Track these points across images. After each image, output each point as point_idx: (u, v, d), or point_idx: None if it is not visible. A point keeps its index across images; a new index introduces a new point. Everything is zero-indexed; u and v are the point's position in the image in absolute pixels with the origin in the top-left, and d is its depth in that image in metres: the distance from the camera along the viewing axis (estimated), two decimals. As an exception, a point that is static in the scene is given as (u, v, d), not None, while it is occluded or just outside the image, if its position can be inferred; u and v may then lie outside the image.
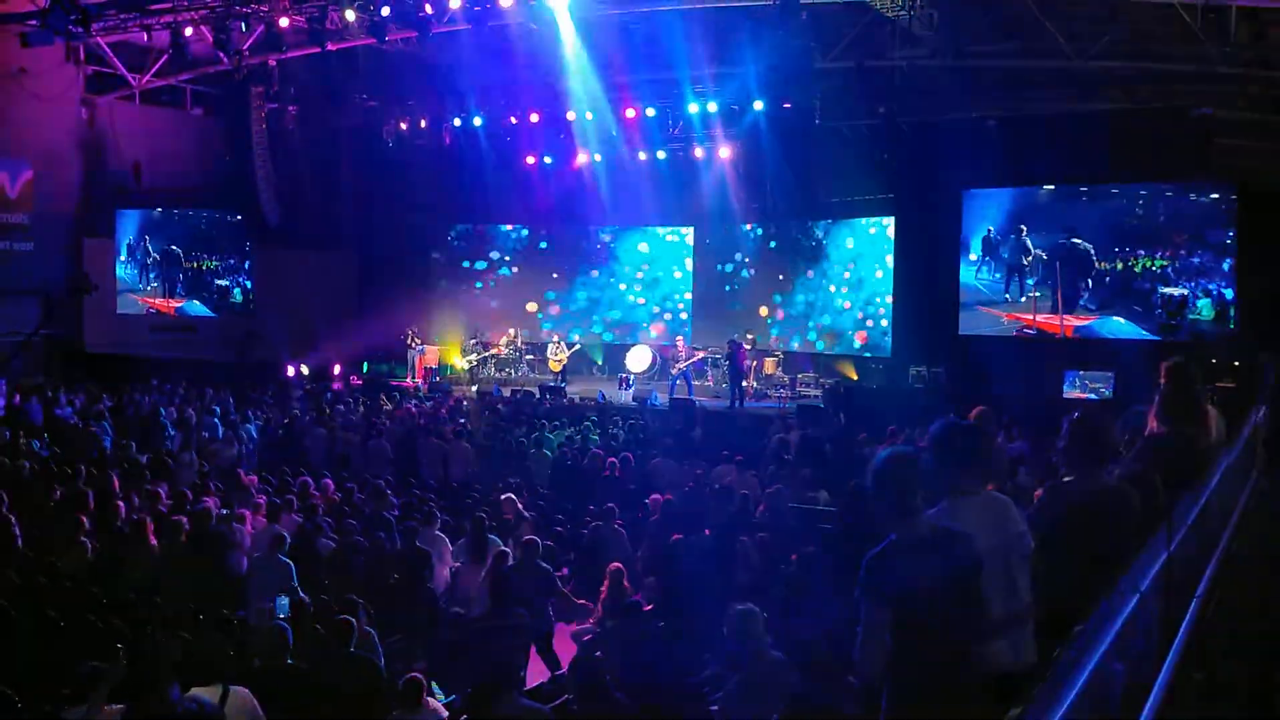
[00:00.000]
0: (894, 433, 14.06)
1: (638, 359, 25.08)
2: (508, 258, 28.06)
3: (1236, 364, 17.48)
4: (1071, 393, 18.92)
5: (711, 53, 20.41)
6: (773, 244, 25.89)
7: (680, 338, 24.65)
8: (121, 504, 11.42)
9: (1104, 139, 18.90)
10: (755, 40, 19.13)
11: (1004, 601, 4.11)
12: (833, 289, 24.68)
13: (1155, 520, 4.09)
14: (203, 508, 10.61)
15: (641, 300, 27.56)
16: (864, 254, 24.07)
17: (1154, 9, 16.16)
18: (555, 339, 25.70)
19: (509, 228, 27.93)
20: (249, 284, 26.61)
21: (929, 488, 4.24)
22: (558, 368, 24.70)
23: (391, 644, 8.21)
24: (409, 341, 24.95)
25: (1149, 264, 19.65)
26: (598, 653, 7.69)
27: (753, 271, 26.22)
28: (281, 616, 7.72)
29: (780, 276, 25.64)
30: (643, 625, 7.78)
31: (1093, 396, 18.74)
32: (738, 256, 26.45)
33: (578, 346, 25.63)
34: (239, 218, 26.04)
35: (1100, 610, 2.44)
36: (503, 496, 11.89)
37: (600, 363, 26.85)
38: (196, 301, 27.18)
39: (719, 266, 26.72)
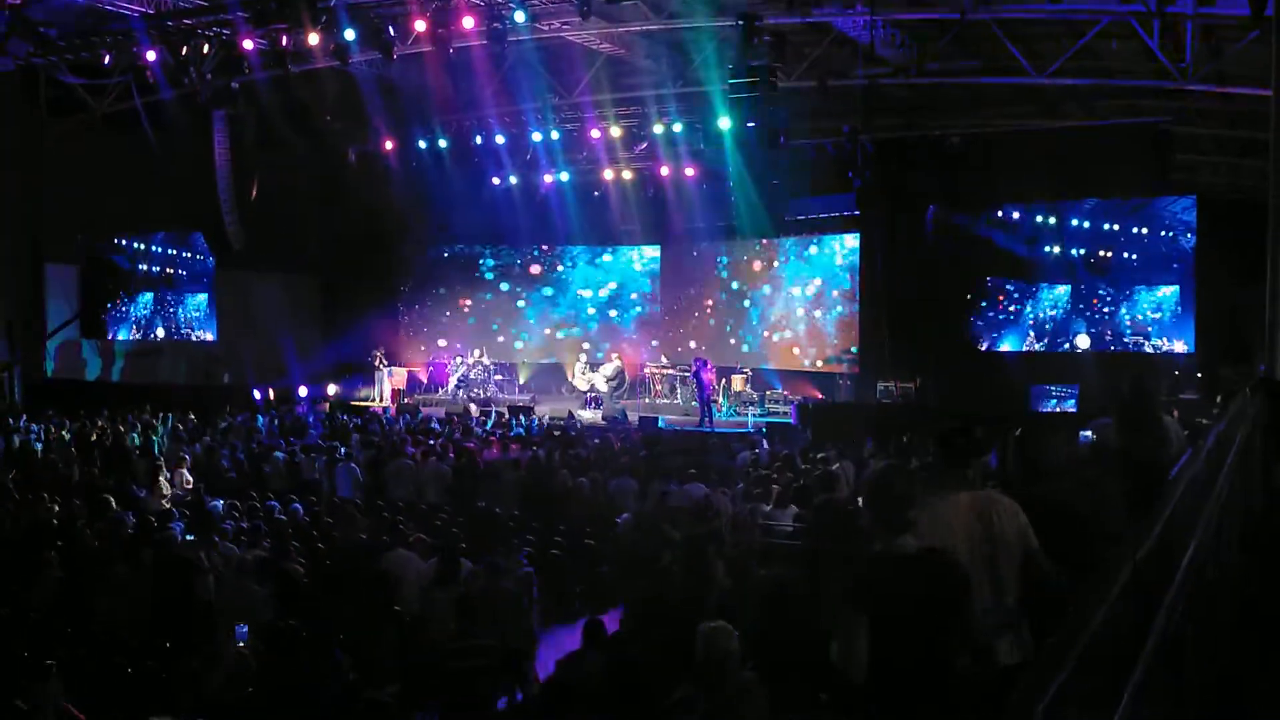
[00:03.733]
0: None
1: (608, 377, 25.06)
2: (474, 277, 28.03)
3: (1199, 375, 17.70)
4: (1042, 407, 19.15)
5: (676, 73, 20.50)
6: (738, 261, 26.02)
7: (616, 354, 24.74)
8: (87, 532, 11.29)
9: (1065, 155, 19.13)
10: (719, 60, 19.22)
11: (995, 599, 4.14)
12: (797, 306, 24.81)
13: (1117, 531, 4.12)
14: (168, 534, 10.50)
15: (608, 317, 27.60)
16: (829, 271, 24.22)
17: (1113, 26, 16.34)
18: (582, 358, 25.55)
19: (474, 248, 27.90)
20: (207, 307, 26.55)
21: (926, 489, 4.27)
22: (585, 386, 24.63)
23: (362, 668, 8.15)
24: (376, 363, 24.89)
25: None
26: (570, 674, 7.65)
27: (716, 289, 26.33)
28: (242, 644, 7.64)
29: (746, 293, 25.76)
30: (612, 646, 7.74)
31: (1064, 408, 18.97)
32: (703, 274, 26.55)
33: (609, 371, 25.28)
34: (202, 241, 25.94)
35: (1069, 620, 2.46)
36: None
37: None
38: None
39: (685, 284, 26.83)
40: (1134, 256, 20.44)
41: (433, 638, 8.82)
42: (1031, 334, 21.08)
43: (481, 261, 28.02)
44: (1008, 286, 21.41)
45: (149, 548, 10.21)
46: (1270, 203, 12.52)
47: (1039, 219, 21.35)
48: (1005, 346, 21.27)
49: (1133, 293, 20.47)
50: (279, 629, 8.06)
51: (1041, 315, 21.09)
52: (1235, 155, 21.22)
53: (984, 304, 21.50)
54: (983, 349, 21.26)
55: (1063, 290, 21.04)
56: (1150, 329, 20.01)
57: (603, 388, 24.53)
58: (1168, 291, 19.97)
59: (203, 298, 26.64)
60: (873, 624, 3.89)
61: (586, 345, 27.24)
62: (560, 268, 27.89)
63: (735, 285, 26.05)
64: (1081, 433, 7.03)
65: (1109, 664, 2.36)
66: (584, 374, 24.99)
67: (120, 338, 27.14)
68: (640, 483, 14.36)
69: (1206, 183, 21.41)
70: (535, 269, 27.94)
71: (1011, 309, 21.45)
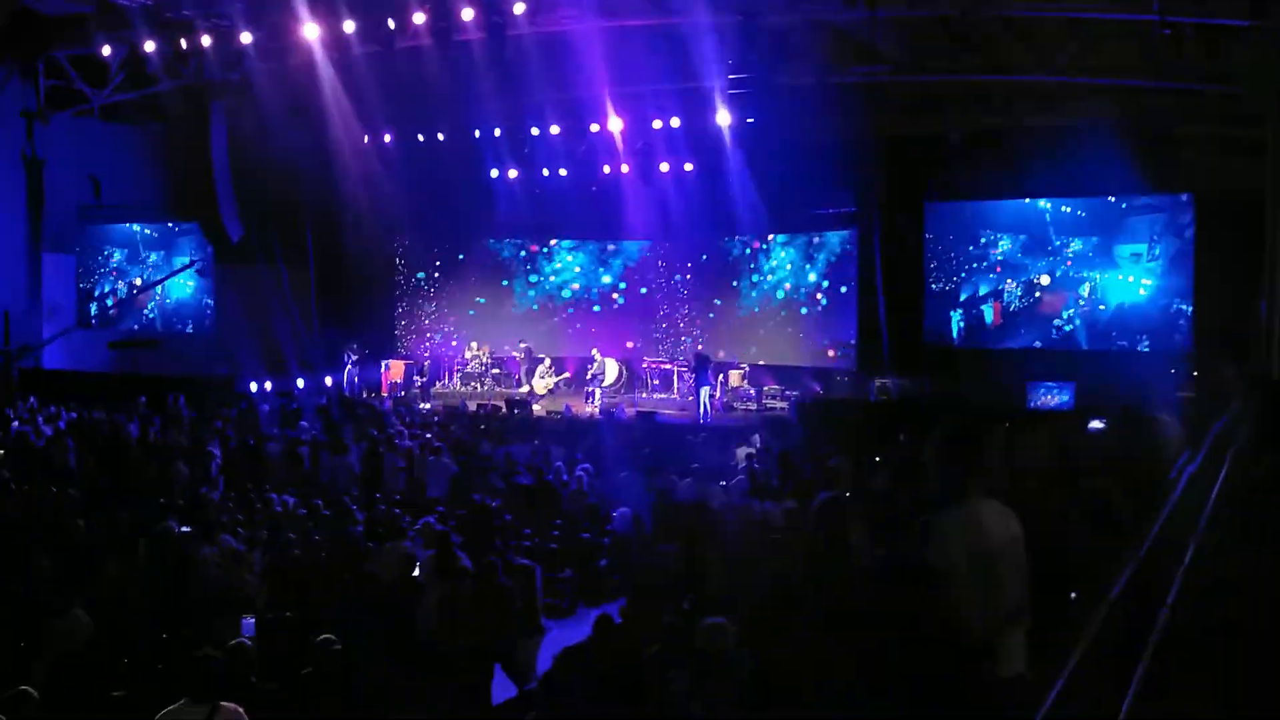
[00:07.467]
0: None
1: (605, 373, 25.07)
2: (472, 270, 27.98)
3: (1196, 374, 17.71)
4: (1041, 399, 19.23)
5: (675, 68, 20.46)
6: (736, 257, 26.03)
7: (596, 349, 24.75)
8: (82, 524, 11.27)
9: (1065, 152, 19.14)
10: (718, 56, 19.20)
11: (999, 603, 4.14)
12: (795, 302, 24.82)
13: (1115, 532, 4.13)
14: (164, 526, 10.50)
15: (606, 312, 27.60)
16: (827, 267, 24.22)
17: (1112, 25, 16.35)
18: (547, 361, 25.54)
19: (472, 241, 27.85)
20: (209, 302, 26.61)
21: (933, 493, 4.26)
22: (544, 391, 24.63)
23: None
24: (351, 357, 24.94)
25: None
26: (568, 666, 7.66)
27: (714, 284, 26.33)
28: (246, 636, 7.65)
29: (743, 289, 25.78)
30: (613, 639, 7.75)
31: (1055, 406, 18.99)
32: (701, 269, 26.54)
33: (567, 376, 25.40)
34: (200, 232, 25.89)
35: (1071, 620, 2.47)
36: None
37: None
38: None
39: (682, 279, 26.85)
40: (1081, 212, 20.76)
41: (429, 630, 8.82)
42: (1010, 281, 21.23)
43: (479, 255, 27.96)
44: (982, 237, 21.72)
45: (145, 539, 10.21)
46: (1268, 201, 12.51)
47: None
48: (982, 291, 21.48)
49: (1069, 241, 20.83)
50: (276, 621, 8.08)
51: (1006, 255, 21.28)
52: (1235, 154, 21.20)
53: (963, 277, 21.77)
54: (978, 346, 21.30)
55: (1023, 238, 21.23)
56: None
57: (606, 383, 24.59)
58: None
59: (192, 286, 26.83)
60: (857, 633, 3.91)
61: (527, 343, 27.15)
62: (558, 262, 27.86)
63: (732, 281, 26.04)
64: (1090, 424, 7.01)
65: (1114, 660, 2.37)
66: (543, 378, 25.04)
67: (113, 325, 27.14)
68: (637, 477, 14.39)
69: (1205, 181, 21.42)
70: (533, 263, 27.90)
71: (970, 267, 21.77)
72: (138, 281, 27.48)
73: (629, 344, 26.56)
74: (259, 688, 6.76)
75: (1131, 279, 20.08)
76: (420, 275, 28.01)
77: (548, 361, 25.47)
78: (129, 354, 26.07)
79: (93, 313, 27.18)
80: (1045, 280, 20.82)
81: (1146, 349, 19.69)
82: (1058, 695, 2.19)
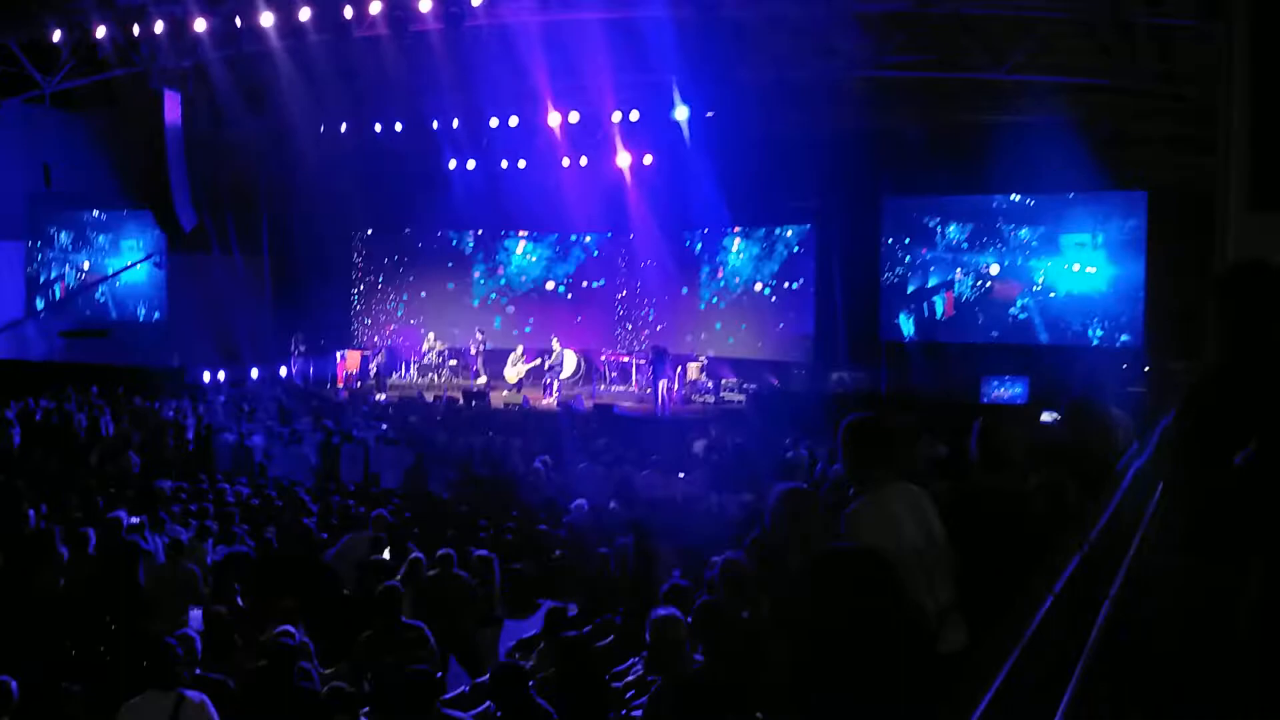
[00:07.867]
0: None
1: (563, 364, 25.02)
2: (428, 261, 27.84)
3: (1147, 369, 17.94)
4: (995, 392, 19.42)
5: (634, 61, 20.43)
6: (694, 250, 26.06)
7: (556, 339, 24.67)
8: (31, 512, 11.12)
9: (1019, 149, 19.30)
10: (677, 50, 19.20)
11: (931, 590, 4.15)
12: (753, 295, 24.87)
13: (1066, 523, 4.16)
14: (114, 516, 10.38)
15: (563, 304, 27.54)
16: (785, 260, 24.30)
17: (1067, 25, 16.51)
18: (519, 349, 25.42)
19: (429, 232, 27.71)
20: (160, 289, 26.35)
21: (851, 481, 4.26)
22: (514, 380, 24.49)
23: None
24: (293, 347, 24.76)
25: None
26: (520, 657, 7.65)
27: (672, 277, 26.34)
28: (194, 628, 7.57)
29: (701, 281, 25.81)
30: (567, 629, 7.74)
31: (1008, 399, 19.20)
32: (659, 262, 26.53)
33: (538, 362, 25.29)
34: (152, 220, 25.60)
35: (1012, 613, 2.48)
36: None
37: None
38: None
39: (640, 272, 26.83)
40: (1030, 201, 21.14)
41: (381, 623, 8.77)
42: (959, 270, 21.40)
43: (437, 245, 27.83)
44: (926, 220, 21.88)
45: (94, 529, 10.08)
46: (1217, 200, 12.65)
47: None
48: (932, 283, 21.66)
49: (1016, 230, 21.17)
50: (225, 612, 8.00)
51: (954, 245, 21.49)
52: (1187, 152, 21.45)
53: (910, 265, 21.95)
54: (933, 339, 21.46)
55: (970, 226, 21.47)
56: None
57: (564, 375, 24.53)
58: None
59: (143, 272, 26.60)
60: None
61: (519, 330, 27.11)
62: (515, 253, 27.77)
63: (691, 274, 26.06)
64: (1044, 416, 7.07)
65: (1054, 656, 2.39)
66: (514, 365, 24.95)
67: (64, 312, 26.80)
68: (595, 469, 14.39)
69: (1157, 178, 21.69)
70: (490, 254, 27.79)
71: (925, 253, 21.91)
72: (85, 265, 27.12)
73: (587, 336, 26.50)
74: (205, 678, 6.68)
75: (1077, 267, 20.34)
76: (377, 265, 27.85)
77: (519, 350, 25.33)
78: (80, 343, 25.74)
79: (39, 305, 26.82)
80: (995, 269, 21.04)
81: (1099, 335, 19.98)
82: (999, 685, 2.20)
